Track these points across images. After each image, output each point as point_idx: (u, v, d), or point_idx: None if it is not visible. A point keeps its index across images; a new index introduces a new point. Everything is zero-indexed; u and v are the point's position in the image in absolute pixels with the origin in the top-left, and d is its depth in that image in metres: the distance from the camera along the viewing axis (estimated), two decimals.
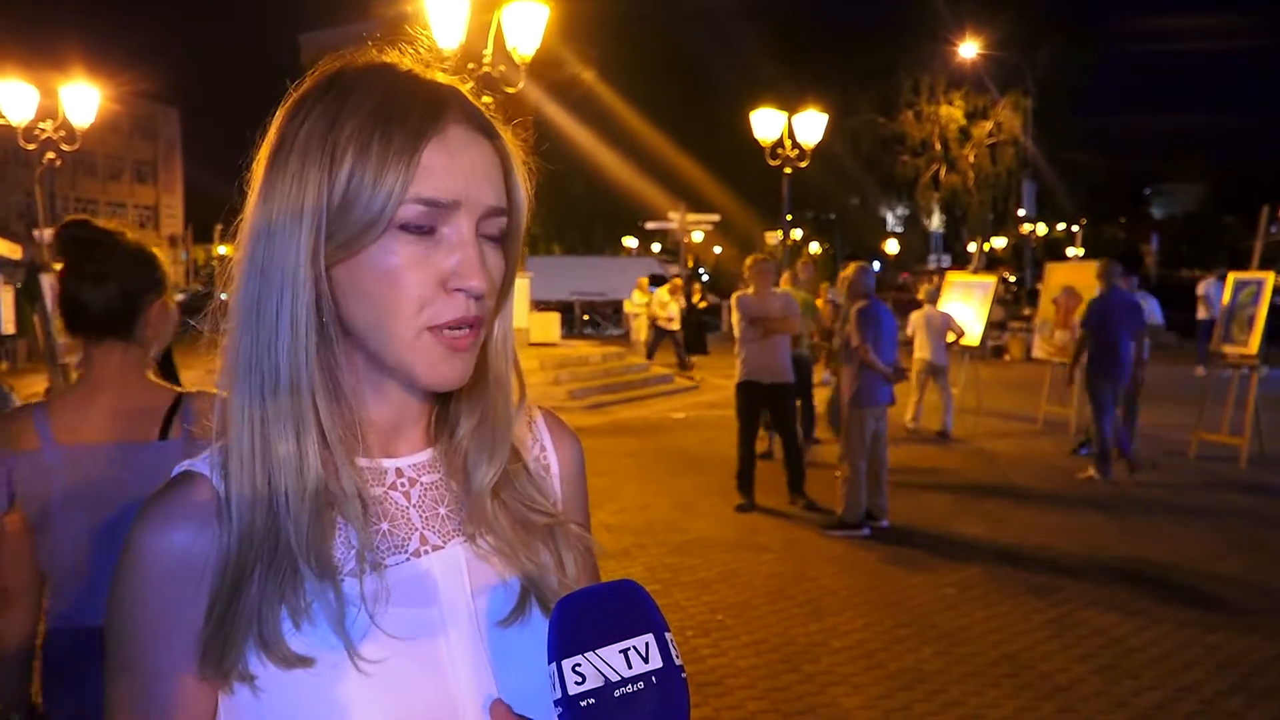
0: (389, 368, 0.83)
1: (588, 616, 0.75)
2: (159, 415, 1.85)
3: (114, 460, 1.81)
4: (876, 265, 28.40)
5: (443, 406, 0.90)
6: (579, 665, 0.73)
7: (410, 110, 0.79)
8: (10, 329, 12.87)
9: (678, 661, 0.75)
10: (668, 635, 0.75)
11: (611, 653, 0.73)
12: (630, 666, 0.73)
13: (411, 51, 0.86)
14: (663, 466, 8.90)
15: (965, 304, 12.05)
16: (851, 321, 6.88)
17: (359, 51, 0.85)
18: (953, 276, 13.55)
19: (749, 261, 7.59)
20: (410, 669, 0.80)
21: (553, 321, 16.88)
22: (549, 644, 0.75)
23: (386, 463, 0.87)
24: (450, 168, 0.79)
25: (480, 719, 0.82)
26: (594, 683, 0.73)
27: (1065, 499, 7.76)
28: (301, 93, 0.83)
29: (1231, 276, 9.84)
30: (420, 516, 0.86)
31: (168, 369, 2.04)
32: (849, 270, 7.19)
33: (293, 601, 0.78)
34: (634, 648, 0.74)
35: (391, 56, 0.85)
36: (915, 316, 10.75)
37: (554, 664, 0.74)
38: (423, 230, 0.79)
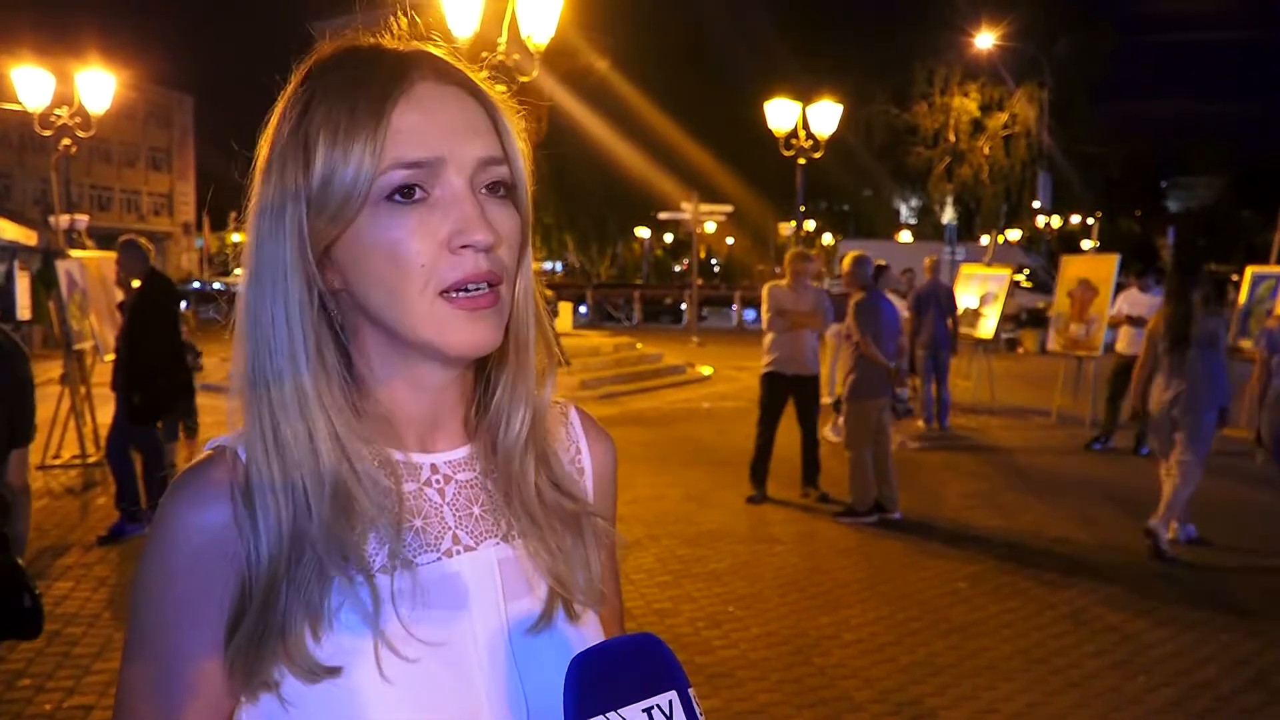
0: (414, 347, 0.81)
1: (608, 674, 0.72)
2: None
3: None
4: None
5: (482, 397, 0.89)
6: None
7: (373, 78, 0.78)
8: (26, 315, 12.96)
9: (700, 718, 0.73)
10: (691, 692, 0.73)
11: (634, 712, 0.72)
12: None
13: (386, 32, 0.85)
14: (675, 457, 8.89)
15: (974, 296, 12.00)
16: (850, 315, 6.83)
17: (329, 42, 0.84)
18: (966, 269, 13.47)
19: (789, 255, 7.70)
20: (438, 671, 0.79)
21: (565, 311, 16.89)
22: (566, 703, 0.73)
23: (421, 458, 0.85)
24: (426, 125, 0.77)
25: None
26: None
27: (1079, 493, 7.72)
28: (286, 95, 0.82)
29: (1249, 271, 9.77)
30: (454, 515, 0.85)
31: None
32: (846, 260, 7.16)
33: (319, 605, 0.76)
34: (657, 706, 0.72)
35: (358, 38, 0.84)
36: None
37: None
38: (414, 197, 0.77)
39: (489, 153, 0.80)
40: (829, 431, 9.00)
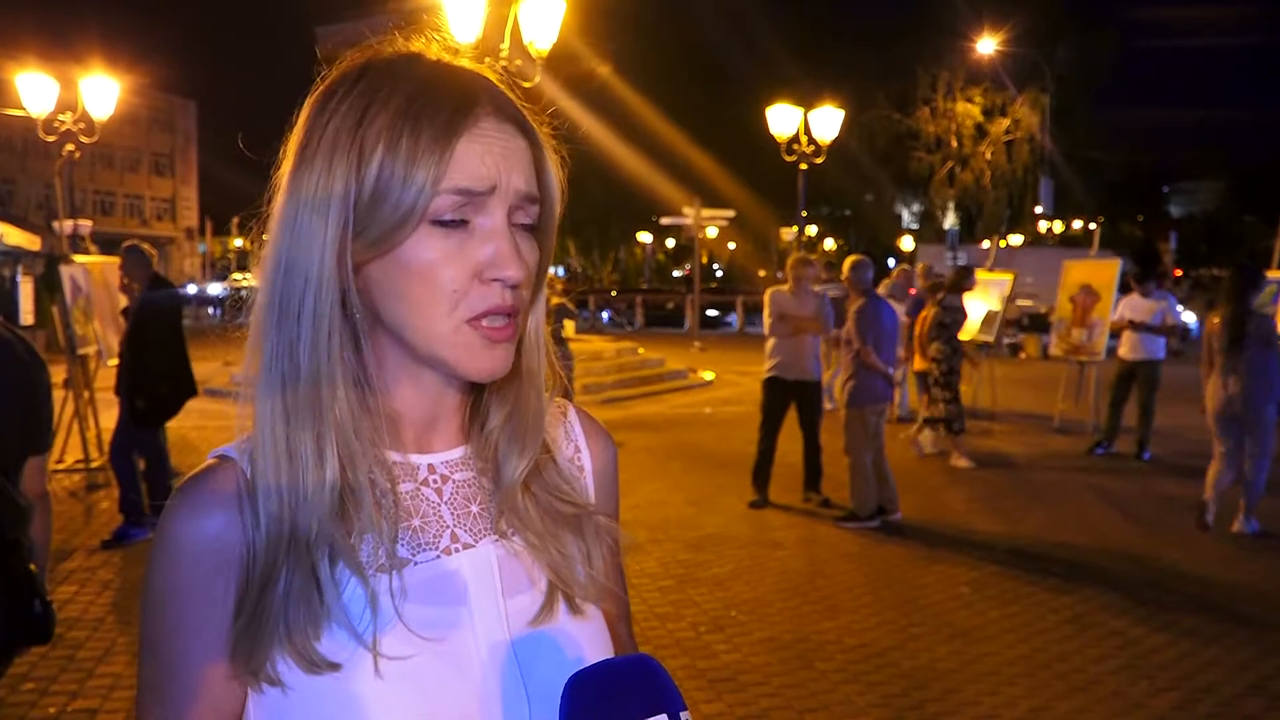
0: (426, 361, 0.82)
1: (601, 695, 0.73)
2: None
3: None
4: (891, 262, 28.30)
5: (476, 401, 0.90)
6: None
7: (441, 104, 0.78)
8: (29, 320, 12.98)
9: None
10: (684, 715, 0.74)
11: None
12: None
13: (438, 39, 0.85)
14: (677, 462, 8.89)
15: (982, 301, 11.97)
16: (850, 321, 6.83)
17: (386, 42, 0.84)
18: None
19: (791, 260, 7.70)
20: (438, 667, 0.79)
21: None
22: None
23: (418, 458, 0.86)
24: (483, 157, 0.78)
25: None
26: None
27: (1082, 498, 7.72)
28: (328, 86, 0.82)
29: None
30: (452, 514, 0.86)
31: None
32: (846, 266, 7.16)
33: (319, 600, 0.77)
34: None
35: (418, 46, 0.84)
36: None
37: None
38: (455, 223, 0.78)
39: (529, 189, 0.82)
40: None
